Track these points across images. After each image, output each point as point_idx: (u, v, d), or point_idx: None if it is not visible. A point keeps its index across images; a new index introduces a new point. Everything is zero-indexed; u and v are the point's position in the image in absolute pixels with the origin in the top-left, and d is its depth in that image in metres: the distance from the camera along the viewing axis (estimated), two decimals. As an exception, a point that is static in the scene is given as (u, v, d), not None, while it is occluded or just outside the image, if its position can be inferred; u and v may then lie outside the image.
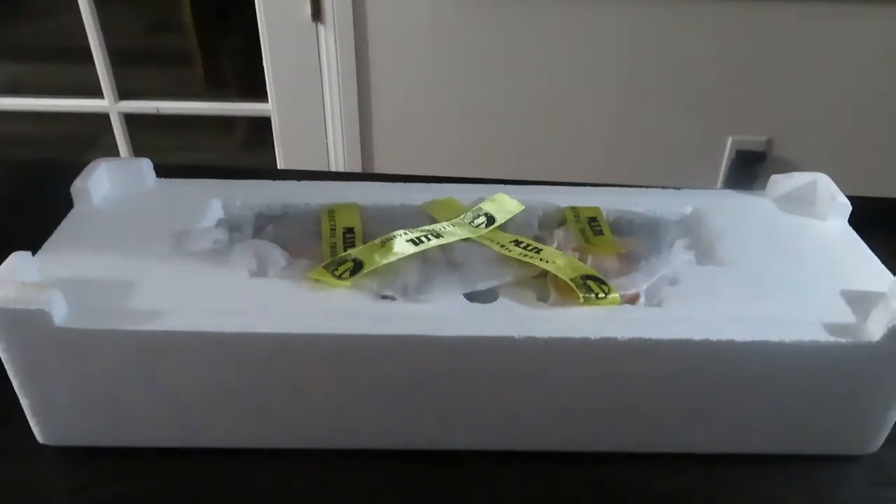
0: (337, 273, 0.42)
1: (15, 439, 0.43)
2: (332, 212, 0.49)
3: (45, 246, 0.45)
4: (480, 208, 0.49)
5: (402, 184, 0.53)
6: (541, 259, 0.43)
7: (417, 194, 0.51)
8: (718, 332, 0.39)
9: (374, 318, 0.40)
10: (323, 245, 0.46)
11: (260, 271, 0.44)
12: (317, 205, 0.50)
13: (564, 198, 0.52)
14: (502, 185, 0.53)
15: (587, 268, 0.43)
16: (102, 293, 0.41)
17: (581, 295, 0.41)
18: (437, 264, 0.44)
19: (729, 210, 0.52)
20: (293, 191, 0.52)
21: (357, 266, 0.43)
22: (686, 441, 0.44)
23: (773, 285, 0.44)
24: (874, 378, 0.41)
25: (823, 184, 0.52)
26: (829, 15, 1.38)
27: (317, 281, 0.42)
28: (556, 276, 0.42)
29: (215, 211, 0.50)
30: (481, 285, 0.42)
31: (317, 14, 1.43)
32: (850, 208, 0.51)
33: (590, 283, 0.42)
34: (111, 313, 0.39)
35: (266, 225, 0.49)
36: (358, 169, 1.57)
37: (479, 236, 0.47)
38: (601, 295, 0.41)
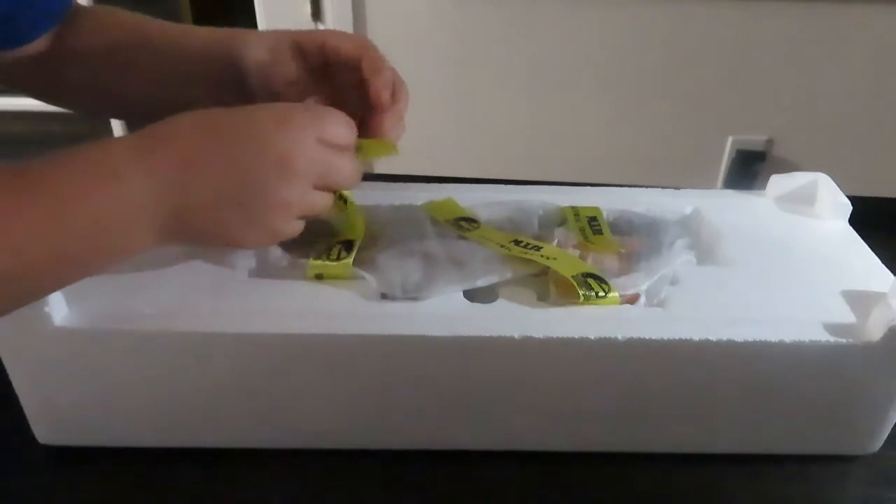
0: (332, 258, 0.43)
1: (15, 439, 0.43)
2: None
3: (45, 246, 0.45)
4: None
5: (401, 184, 0.53)
6: (541, 255, 0.43)
7: (417, 194, 0.51)
8: (718, 332, 0.39)
9: (374, 318, 0.40)
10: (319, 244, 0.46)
11: (260, 271, 0.44)
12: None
13: (564, 198, 0.52)
14: (503, 185, 0.53)
15: (588, 266, 0.43)
16: (102, 293, 0.40)
17: (581, 293, 0.41)
18: (438, 262, 0.44)
19: (729, 210, 0.52)
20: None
21: (347, 244, 0.44)
22: (686, 441, 0.44)
23: (773, 285, 0.44)
24: (874, 378, 0.41)
25: (824, 184, 0.52)
26: (829, 15, 1.38)
27: (319, 276, 0.42)
28: (556, 274, 0.42)
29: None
30: (481, 282, 0.42)
31: (317, 14, 1.43)
32: (851, 208, 0.51)
33: (590, 281, 0.42)
34: (111, 313, 0.39)
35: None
36: (358, 169, 1.57)
37: (476, 236, 0.47)
38: (601, 294, 0.41)
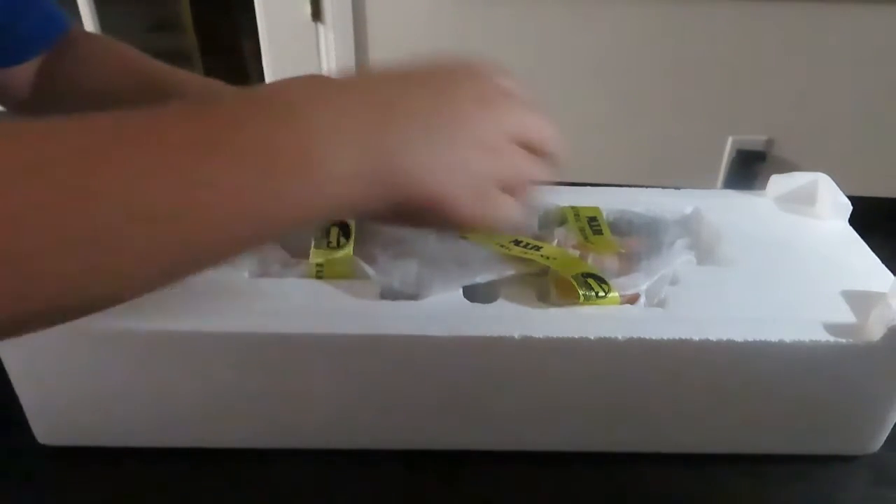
0: (332, 245, 0.43)
1: (15, 439, 0.43)
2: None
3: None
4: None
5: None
6: (541, 255, 0.43)
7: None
8: (718, 332, 0.39)
9: (374, 318, 0.40)
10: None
11: (260, 271, 0.44)
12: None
13: (564, 197, 0.52)
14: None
15: (588, 265, 0.43)
16: (102, 293, 0.41)
17: (581, 293, 0.41)
18: (438, 262, 0.44)
19: (729, 210, 0.52)
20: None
21: (343, 229, 0.44)
22: (686, 441, 0.44)
23: (773, 285, 0.44)
24: (874, 378, 0.41)
25: (824, 184, 0.52)
26: (829, 15, 1.38)
27: (319, 266, 0.43)
28: (556, 275, 0.42)
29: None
30: (480, 278, 0.42)
31: (317, 14, 1.43)
32: (851, 208, 0.51)
33: (590, 281, 0.42)
34: (111, 314, 0.39)
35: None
36: (358, 169, 1.56)
37: (476, 236, 0.46)
38: (601, 294, 0.41)
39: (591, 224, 0.49)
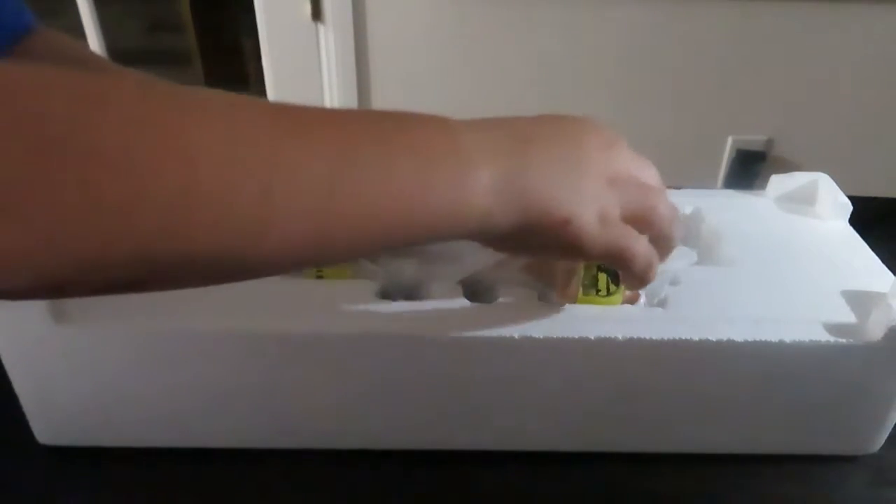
0: None
1: (15, 439, 0.43)
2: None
3: (45, 246, 0.45)
4: None
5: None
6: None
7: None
8: (718, 332, 0.39)
9: (374, 318, 0.40)
10: None
11: (260, 271, 0.44)
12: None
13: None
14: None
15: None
16: (102, 293, 0.41)
17: (581, 287, 0.41)
18: (437, 260, 0.44)
19: (729, 210, 0.52)
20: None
21: None
22: (686, 441, 0.44)
23: (773, 285, 0.44)
24: (874, 378, 0.41)
25: (824, 184, 0.52)
26: (829, 15, 1.38)
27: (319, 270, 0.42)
28: (559, 271, 0.42)
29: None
30: (481, 263, 0.42)
31: (317, 14, 1.43)
32: (851, 208, 0.51)
33: (600, 276, 0.41)
34: (111, 313, 0.39)
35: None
36: (358, 169, 1.56)
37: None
38: (602, 293, 0.41)
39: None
